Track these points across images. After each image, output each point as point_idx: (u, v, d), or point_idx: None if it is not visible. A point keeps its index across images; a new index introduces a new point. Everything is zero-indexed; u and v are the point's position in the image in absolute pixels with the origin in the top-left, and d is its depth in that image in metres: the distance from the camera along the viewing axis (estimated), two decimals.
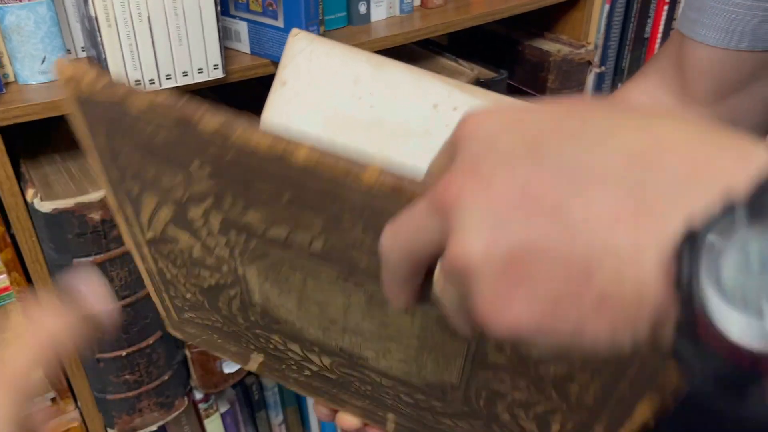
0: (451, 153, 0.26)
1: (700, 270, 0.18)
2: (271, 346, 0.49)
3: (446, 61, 1.00)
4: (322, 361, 0.47)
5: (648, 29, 1.24)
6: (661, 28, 1.25)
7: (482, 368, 0.39)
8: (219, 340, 0.52)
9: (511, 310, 0.22)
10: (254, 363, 0.51)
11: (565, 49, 1.07)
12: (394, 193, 0.30)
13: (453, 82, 0.44)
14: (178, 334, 0.54)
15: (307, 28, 0.72)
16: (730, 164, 0.20)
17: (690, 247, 0.18)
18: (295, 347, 0.47)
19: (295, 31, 0.48)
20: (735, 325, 0.17)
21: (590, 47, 1.10)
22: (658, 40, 1.26)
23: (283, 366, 0.50)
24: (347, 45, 0.47)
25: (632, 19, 1.20)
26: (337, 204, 0.33)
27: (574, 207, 0.21)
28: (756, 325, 0.17)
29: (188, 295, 0.49)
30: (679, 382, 0.31)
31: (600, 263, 0.20)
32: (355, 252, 0.35)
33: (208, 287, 0.47)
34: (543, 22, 1.15)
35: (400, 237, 0.27)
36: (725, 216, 0.18)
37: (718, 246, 0.18)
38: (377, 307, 0.39)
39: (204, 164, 0.35)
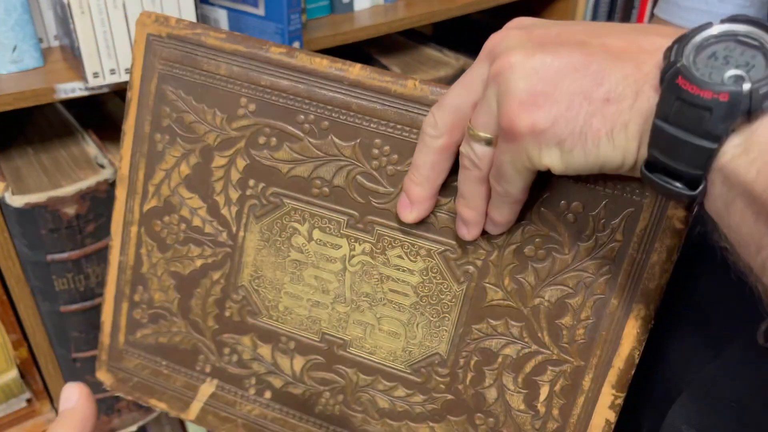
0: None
1: (683, 52, 0.26)
2: (234, 358, 0.47)
3: (431, 51, 0.99)
4: (293, 366, 0.46)
5: (633, 20, 1.23)
6: (646, 19, 1.24)
7: (476, 319, 0.41)
8: (165, 371, 0.49)
9: (534, 105, 0.28)
10: (199, 402, 0.49)
11: None
12: (432, 95, 0.37)
13: None
14: (108, 379, 0.51)
15: (288, 17, 0.70)
16: None
17: (678, 44, 0.26)
18: (266, 351, 0.46)
19: None
20: (703, 79, 0.25)
21: None
22: None
23: (238, 394, 0.48)
24: None
25: (617, 10, 1.20)
26: (373, 123, 0.39)
27: (593, 43, 0.29)
28: (717, 82, 0.25)
29: (157, 295, 0.48)
30: (661, 275, 0.36)
31: (609, 73, 0.28)
32: (375, 183, 0.40)
33: (189, 273, 0.46)
34: (528, 11, 1.14)
35: (446, 97, 0.34)
36: (703, 29, 0.26)
37: (696, 47, 0.26)
38: (381, 254, 0.41)
39: (252, 100, 0.42)
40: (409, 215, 0.38)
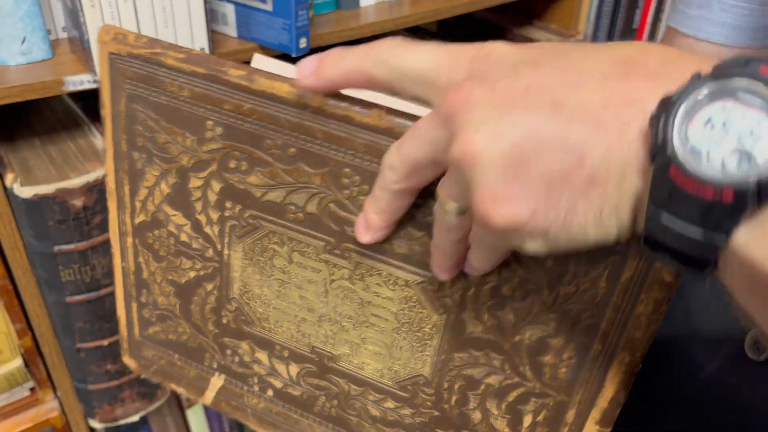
0: (464, 70, 0.28)
1: (672, 128, 0.22)
2: (236, 359, 0.48)
3: None
4: (289, 372, 0.46)
5: (637, 20, 1.23)
6: (649, 19, 1.24)
7: (458, 348, 0.39)
8: (178, 363, 0.50)
9: (510, 198, 0.25)
10: (212, 391, 0.50)
11: (555, 39, 1.06)
12: (399, 127, 0.34)
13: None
14: (132, 364, 0.53)
15: (296, 13, 0.70)
16: (695, 60, 0.24)
17: (664, 113, 0.22)
18: (263, 356, 0.46)
19: (256, 56, 0.50)
20: (700, 171, 0.21)
21: (580, 37, 1.09)
22: (646, 32, 1.25)
23: (244, 389, 0.48)
24: None
25: (621, 10, 1.20)
26: (340, 153, 0.36)
27: (569, 98, 0.24)
28: (719, 170, 0.21)
29: (161, 299, 0.48)
30: (647, 326, 0.33)
31: (591, 147, 0.23)
32: (348, 212, 0.38)
33: (185, 282, 0.46)
34: (532, 10, 1.14)
35: (405, 147, 0.30)
36: (693, 89, 0.22)
37: (687, 113, 0.22)
38: (360, 280, 0.40)
39: (218, 123, 0.39)
40: (364, 238, 0.36)
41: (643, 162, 0.23)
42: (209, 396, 0.50)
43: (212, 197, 0.42)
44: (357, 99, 0.35)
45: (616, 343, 0.35)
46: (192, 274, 0.46)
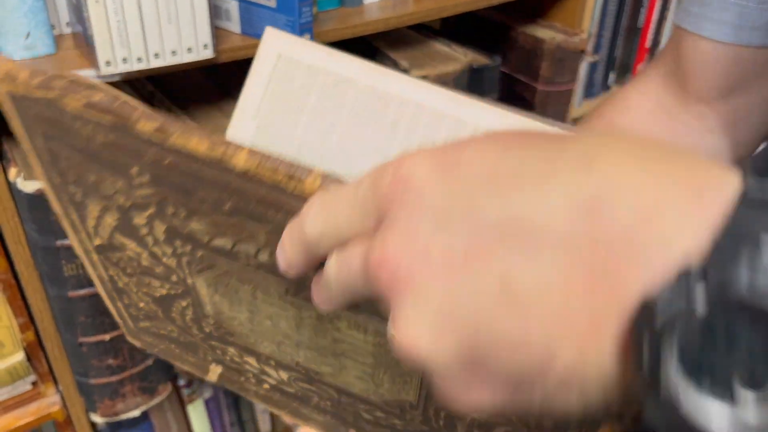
0: (381, 201, 0.23)
1: (660, 353, 0.17)
2: (227, 358, 0.47)
3: (440, 46, 0.99)
4: (279, 375, 0.46)
5: (642, 19, 1.23)
6: (654, 18, 1.24)
7: None
8: (177, 350, 0.50)
9: (472, 396, 0.21)
10: (213, 374, 0.50)
11: (559, 37, 1.06)
12: None
13: (412, 99, 0.42)
14: (137, 343, 0.53)
15: (299, 9, 0.70)
16: (683, 207, 0.18)
17: (647, 330, 0.17)
18: (252, 360, 0.46)
19: (268, 30, 0.47)
20: (705, 411, 0.16)
21: (584, 35, 1.09)
22: (651, 31, 1.25)
23: (242, 378, 0.49)
24: (320, 49, 0.44)
25: (626, 8, 1.19)
26: (281, 214, 0.31)
27: (523, 278, 0.19)
28: (728, 411, 0.16)
29: (141, 304, 0.48)
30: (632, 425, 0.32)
31: (558, 348, 0.19)
32: None
33: (159, 297, 0.45)
34: (536, 8, 1.14)
35: (340, 273, 0.26)
36: (682, 296, 0.17)
37: (678, 322, 0.16)
38: (329, 323, 0.38)
39: (143, 170, 0.34)
40: (321, 307, 0.30)
41: (628, 375, 0.18)
42: (213, 377, 0.50)
43: (160, 236, 0.38)
44: (288, 164, 0.30)
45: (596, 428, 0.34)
46: (164, 291, 0.44)
